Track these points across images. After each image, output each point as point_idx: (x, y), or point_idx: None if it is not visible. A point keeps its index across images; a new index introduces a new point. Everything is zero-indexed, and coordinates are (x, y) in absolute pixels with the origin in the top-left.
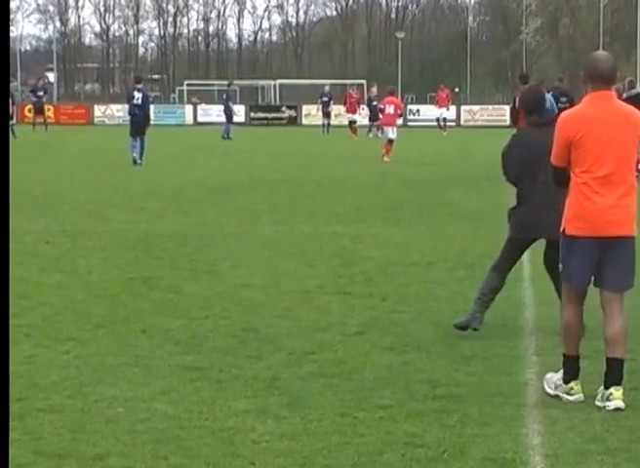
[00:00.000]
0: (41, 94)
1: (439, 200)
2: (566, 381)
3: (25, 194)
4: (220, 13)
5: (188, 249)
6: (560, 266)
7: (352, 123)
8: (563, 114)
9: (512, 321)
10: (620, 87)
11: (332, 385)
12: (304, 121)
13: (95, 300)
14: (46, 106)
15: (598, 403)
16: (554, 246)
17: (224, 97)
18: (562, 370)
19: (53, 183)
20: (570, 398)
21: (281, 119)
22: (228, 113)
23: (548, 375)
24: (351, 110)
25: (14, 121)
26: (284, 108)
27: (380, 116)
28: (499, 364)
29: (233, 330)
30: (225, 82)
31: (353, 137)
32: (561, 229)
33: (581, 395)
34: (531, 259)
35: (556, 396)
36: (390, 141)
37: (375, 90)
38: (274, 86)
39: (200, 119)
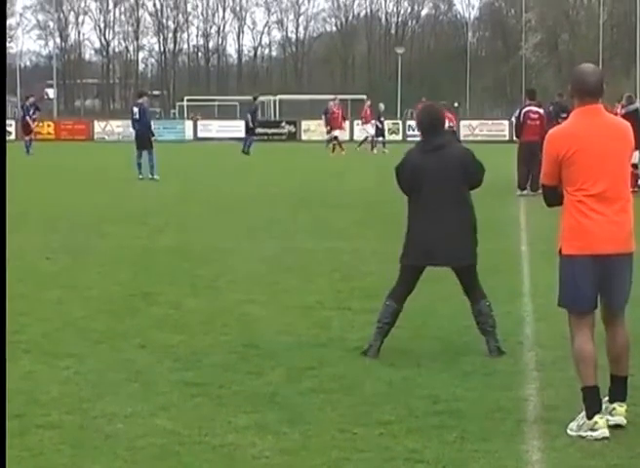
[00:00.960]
0: (32, 111)
1: None
2: (589, 416)
3: (25, 210)
4: (219, 28)
5: (188, 264)
6: (558, 292)
7: (334, 139)
8: (551, 131)
9: (512, 336)
10: (623, 103)
11: (331, 401)
12: (304, 136)
13: (94, 316)
14: (39, 124)
15: (607, 416)
16: (460, 273)
17: (250, 110)
18: (584, 407)
19: (52, 199)
20: (594, 434)
21: (281, 134)
22: (251, 127)
23: (570, 424)
24: (336, 126)
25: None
26: (284, 124)
27: None
28: (498, 379)
29: (233, 345)
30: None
31: (341, 153)
32: (557, 249)
33: (606, 430)
34: (530, 274)
35: (580, 437)
36: None
37: (382, 106)
38: (274, 101)
39: (200, 134)
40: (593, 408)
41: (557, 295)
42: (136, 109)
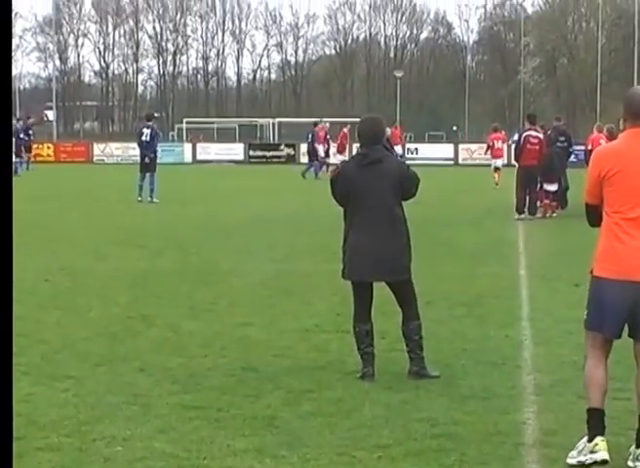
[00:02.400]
0: (30, 133)
1: (437, 238)
2: (590, 438)
3: (24, 232)
4: (219, 51)
5: (187, 287)
6: (585, 312)
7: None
8: (597, 149)
9: (511, 360)
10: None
11: (330, 424)
12: (303, 159)
13: (94, 338)
14: (35, 145)
15: (630, 463)
16: (395, 288)
17: (310, 135)
18: (587, 430)
19: (52, 221)
20: (594, 457)
21: (280, 157)
22: (313, 152)
23: (570, 453)
24: (341, 150)
25: (19, 159)
26: (282, 146)
27: (489, 151)
28: (497, 403)
29: (232, 368)
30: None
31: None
32: (589, 269)
33: (606, 453)
34: (529, 298)
35: (579, 463)
36: (497, 169)
37: (389, 130)
38: (273, 124)
39: (199, 157)
40: (596, 429)
41: (584, 317)
42: (147, 131)
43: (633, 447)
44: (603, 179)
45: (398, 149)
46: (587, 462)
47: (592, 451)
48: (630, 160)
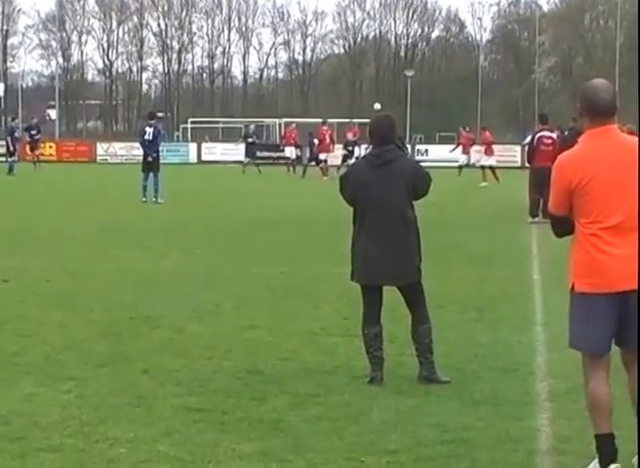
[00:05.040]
0: (34, 132)
1: (447, 241)
2: (603, 466)
3: (27, 232)
4: (225, 49)
5: (192, 288)
6: (569, 332)
7: (323, 162)
8: (560, 157)
9: (524, 366)
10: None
11: (338, 429)
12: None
13: (96, 339)
14: (41, 144)
15: None
16: (404, 291)
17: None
18: (596, 455)
19: (54, 221)
20: None
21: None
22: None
23: None
24: (324, 149)
25: (15, 158)
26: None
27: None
28: (509, 409)
29: (237, 371)
30: (229, 119)
31: (324, 178)
32: (569, 286)
33: None
34: (543, 303)
35: None
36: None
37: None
38: (279, 124)
39: (204, 157)
40: (608, 457)
41: (568, 335)
42: (149, 129)
43: (635, 458)
44: (575, 190)
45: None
46: None
47: None
48: (601, 164)
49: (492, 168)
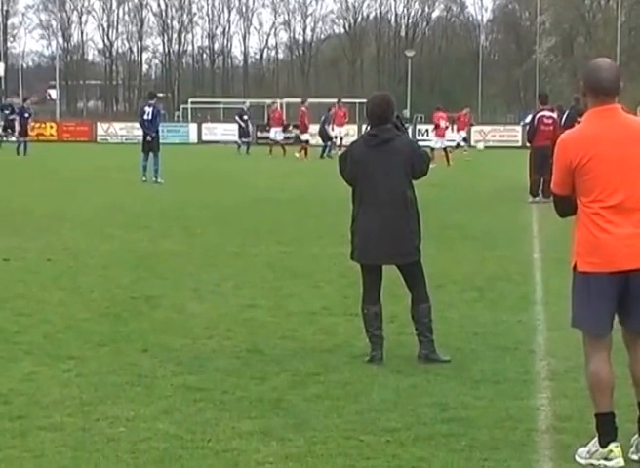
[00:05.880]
0: (27, 115)
1: (448, 221)
2: (603, 445)
3: (27, 212)
4: (225, 30)
5: (192, 268)
6: (572, 311)
7: (306, 142)
8: (563, 136)
9: (524, 345)
10: None
11: (337, 407)
12: (311, 140)
13: (96, 319)
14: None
15: (634, 456)
16: (403, 270)
17: (323, 117)
18: (597, 434)
19: (55, 201)
20: (608, 464)
21: (287, 138)
22: (325, 134)
23: (579, 451)
24: (303, 129)
25: (25, 138)
26: (290, 128)
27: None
28: (509, 388)
29: (237, 350)
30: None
31: (304, 159)
32: (571, 265)
33: (621, 460)
34: (543, 282)
35: (591, 466)
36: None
37: (333, 110)
38: (280, 104)
39: (205, 138)
40: (608, 435)
41: (570, 315)
42: (148, 109)
43: (636, 436)
44: (575, 169)
45: (342, 130)
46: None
47: (607, 458)
48: (602, 143)
49: (445, 150)
